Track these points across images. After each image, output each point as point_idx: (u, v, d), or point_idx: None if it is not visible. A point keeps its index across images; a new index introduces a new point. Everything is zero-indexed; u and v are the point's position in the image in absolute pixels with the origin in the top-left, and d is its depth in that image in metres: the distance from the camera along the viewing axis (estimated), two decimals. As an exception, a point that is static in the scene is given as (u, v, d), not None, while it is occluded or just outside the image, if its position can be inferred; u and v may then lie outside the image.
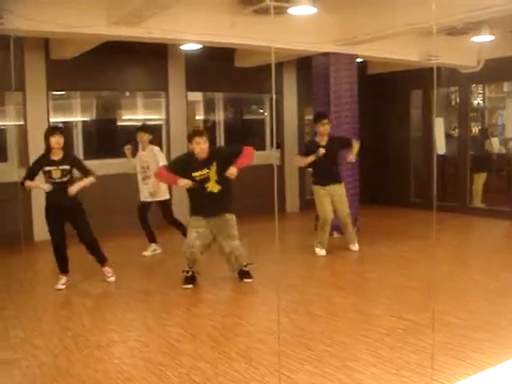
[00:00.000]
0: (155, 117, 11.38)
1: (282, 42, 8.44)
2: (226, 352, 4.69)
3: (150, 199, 8.29)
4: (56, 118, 10.28)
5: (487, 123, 13.73)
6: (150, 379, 4.18)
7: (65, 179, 6.58)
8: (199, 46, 9.45)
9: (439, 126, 12.50)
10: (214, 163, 6.59)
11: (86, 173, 6.78)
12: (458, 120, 12.25)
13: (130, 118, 11.40)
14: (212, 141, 11.84)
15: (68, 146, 6.81)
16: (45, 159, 6.62)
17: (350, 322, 5.43)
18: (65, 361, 4.57)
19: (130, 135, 10.96)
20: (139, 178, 8.42)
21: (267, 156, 12.12)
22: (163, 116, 11.22)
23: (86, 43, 8.61)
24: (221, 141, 12.06)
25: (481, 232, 10.57)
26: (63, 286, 6.71)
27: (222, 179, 6.59)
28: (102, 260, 6.98)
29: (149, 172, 8.17)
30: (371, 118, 12.38)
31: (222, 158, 6.67)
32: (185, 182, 6.57)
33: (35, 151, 9.58)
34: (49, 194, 6.62)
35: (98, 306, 6.08)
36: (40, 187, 6.60)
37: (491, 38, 9.40)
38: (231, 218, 6.72)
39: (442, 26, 8.39)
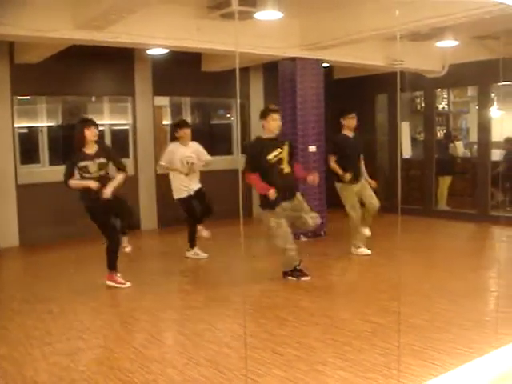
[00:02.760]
0: (122, 122, 11.30)
1: (248, 47, 8.46)
2: (194, 357, 4.68)
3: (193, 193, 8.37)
4: (21, 123, 10.16)
5: (452, 127, 13.94)
6: (118, 386, 4.15)
7: (102, 173, 6.56)
8: (166, 51, 9.43)
9: (405, 130, 12.66)
10: (286, 143, 6.89)
11: (119, 166, 6.76)
12: (424, 124, 12.41)
13: (96, 122, 11.28)
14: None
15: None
16: (78, 154, 6.55)
17: (318, 325, 5.46)
18: (30, 370, 4.50)
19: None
20: (181, 174, 8.28)
21: (235, 161, 12.14)
22: (130, 121, 11.16)
23: (51, 47, 8.54)
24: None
25: (446, 234, 10.70)
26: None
27: (290, 161, 6.84)
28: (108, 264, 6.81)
29: (193, 167, 8.33)
30: (337, 122, 12.43)
31: (289, 144, 6.97)
32: (273, 195, 6.59)
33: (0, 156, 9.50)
34: (87, 191, 6.50)
35: (65, 314, 6.00)
36: (88, 185, 6.45)
37: (455, 43, 9.56)
38: (300, 195, 6.99)
39: (406, 32, 8.50)
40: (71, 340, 5.20)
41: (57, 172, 10.04)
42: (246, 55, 9.08)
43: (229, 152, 12.53)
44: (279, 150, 6.72)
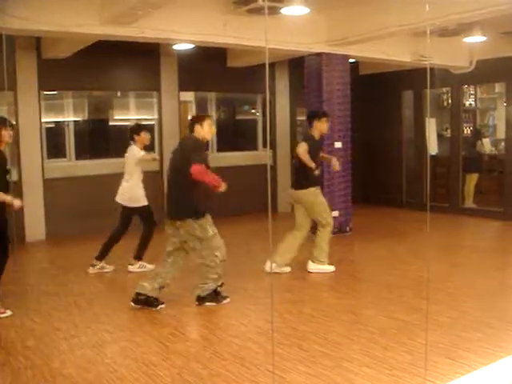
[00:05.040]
0: (147, 117, 11.35)
1: (275, 42, 8.43)
2: (219, 352, 4.69)
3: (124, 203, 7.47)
4: (48, 118, 10.25)
5: (479, 124, 13.77)
6: (142, 379, 4.17)
7: None
8: (192, 46, 9.44)
9: (431, 127, 12.54)
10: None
11: None
12: (450, 121, 12.28)
13: (122, 118, 11.37)
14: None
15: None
16: None
17: (343, 322, 5.43)
18: (57, 362, 4.55)
19: (123, 135, 10.98)
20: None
21: (259, 156, 12.16)
22: (155, 116, 11.19)
23: (78, 42, 8.59)
24: (213, 141, 12.03)
25: (472, 232, 10.60)
26: None
27: None
28: None
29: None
30: (363, 118, 12.38)
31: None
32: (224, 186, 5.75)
33: (27, 151, 9.59)
34: None
35: (91, 307, 6.04)
36: None
37: (483, 38, 9.44)
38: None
39: (434, 27, 8.41)
40: (97, 333, 5.24)
41: (83, 166, 10.28)
42: (271, 51, 9.05)
43: (254, 148, 12.52)
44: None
